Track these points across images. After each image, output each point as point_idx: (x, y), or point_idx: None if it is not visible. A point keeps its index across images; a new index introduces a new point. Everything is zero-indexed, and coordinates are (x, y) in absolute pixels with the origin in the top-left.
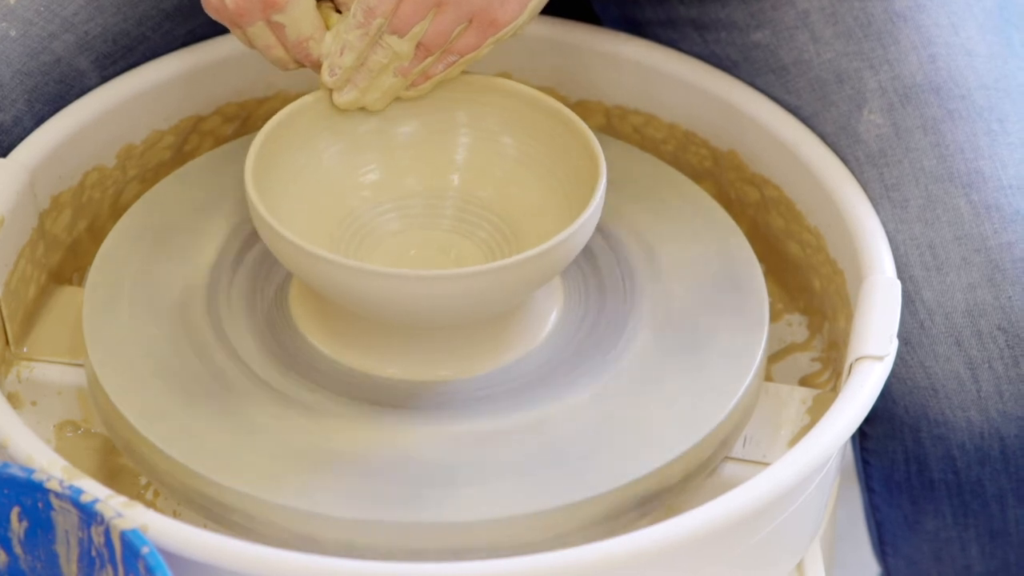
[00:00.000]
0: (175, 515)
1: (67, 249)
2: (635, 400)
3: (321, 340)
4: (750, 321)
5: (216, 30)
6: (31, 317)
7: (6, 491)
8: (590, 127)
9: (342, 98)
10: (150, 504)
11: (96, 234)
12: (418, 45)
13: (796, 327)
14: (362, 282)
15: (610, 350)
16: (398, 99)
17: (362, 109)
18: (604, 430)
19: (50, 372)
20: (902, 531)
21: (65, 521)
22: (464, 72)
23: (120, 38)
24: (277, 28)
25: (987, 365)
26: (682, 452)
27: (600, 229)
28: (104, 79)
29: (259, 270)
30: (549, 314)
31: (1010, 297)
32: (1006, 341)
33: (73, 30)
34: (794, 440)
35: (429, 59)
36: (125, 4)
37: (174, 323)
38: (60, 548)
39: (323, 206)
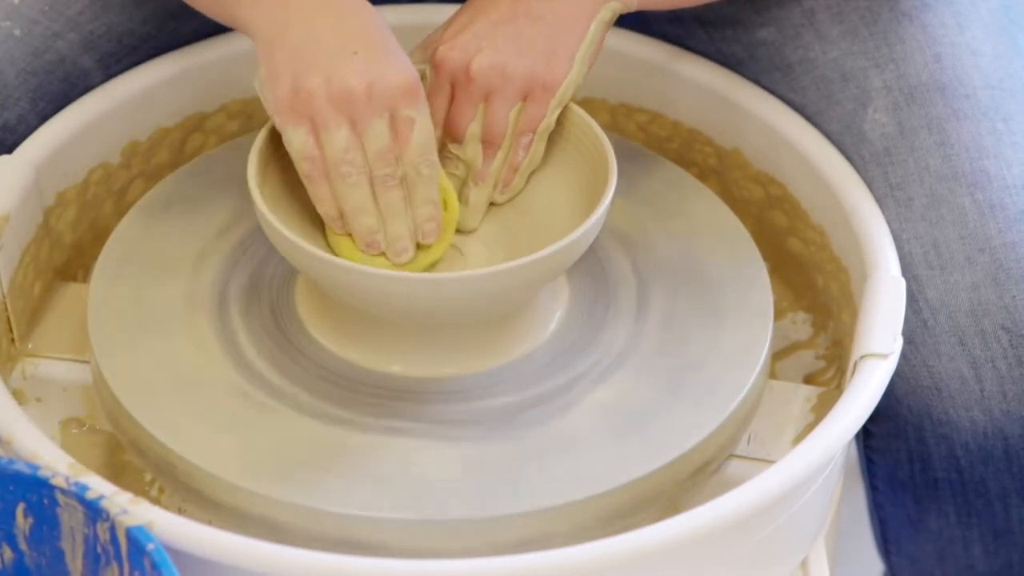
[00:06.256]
0: (180, 512)
1: (72, 246)
2: (639, 398)
3: (327, 336)
4: (754, 319)
5: (220, 29)
6: (36, 314)
7: (12, 487)
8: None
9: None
10: (155, 501)
11: (101, 231)
12: (483, 143)
13: (800, 325)
14: (367, 284)
15: (613, 348)
16: (494, 204)
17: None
18: (608, 429)
19: (55, 369)
20: (905, 530)
21: (70, 518)
22: None
23: (125, 37)
24: (404, 124)
25: (990, 364)
26: (687, 450)
27: (604, 226)
28: (108, 78)
29: (264, 266)
30: (555, 311)
31: (1014, 296)
32: (1009, 340)
33: (78, 29)
34: (798, 438)
35: (500, 152)
36: (130, 3)
37: (179, 320)
38: (65, 544)
39: None
